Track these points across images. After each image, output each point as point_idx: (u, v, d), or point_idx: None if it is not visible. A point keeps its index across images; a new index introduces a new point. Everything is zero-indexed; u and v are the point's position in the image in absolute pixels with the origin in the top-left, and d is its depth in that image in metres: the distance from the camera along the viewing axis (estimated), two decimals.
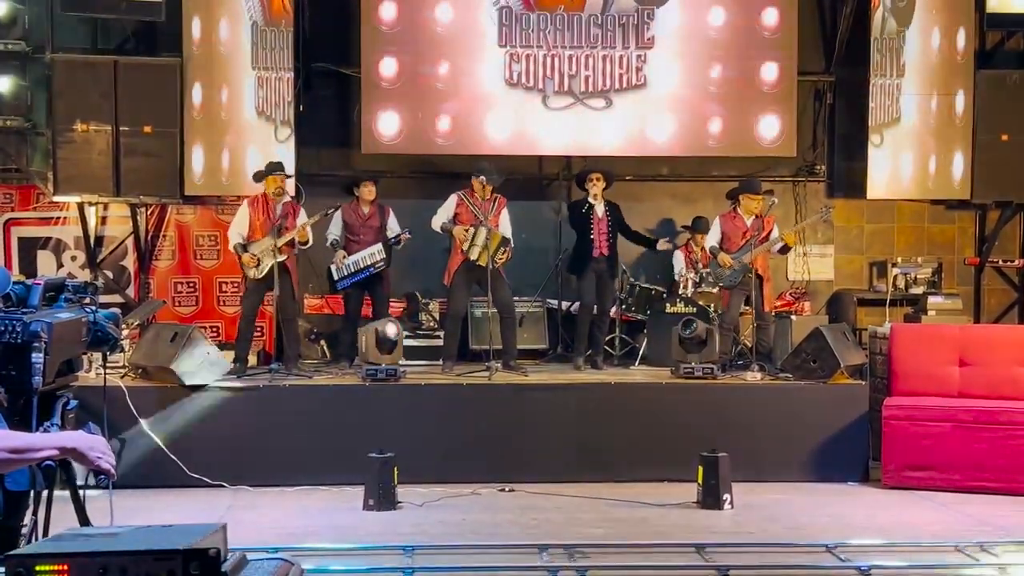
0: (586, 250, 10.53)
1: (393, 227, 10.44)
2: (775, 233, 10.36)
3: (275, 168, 10.11)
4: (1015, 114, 11.30)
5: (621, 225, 10.70)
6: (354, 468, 8.36)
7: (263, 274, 9.84)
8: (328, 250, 10.48)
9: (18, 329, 3.64)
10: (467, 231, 10.09)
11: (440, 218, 10.33)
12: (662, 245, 11.13)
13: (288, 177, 10.25)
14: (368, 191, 10.44)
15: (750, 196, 10.37)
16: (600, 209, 10.52)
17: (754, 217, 10.34)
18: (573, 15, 11.33)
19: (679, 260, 11.53)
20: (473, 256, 10.02)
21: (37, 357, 3.64)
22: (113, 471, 3.24)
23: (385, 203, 10.66)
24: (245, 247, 9.91)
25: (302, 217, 10.07)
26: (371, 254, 10.28)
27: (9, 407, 3.71)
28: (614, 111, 11.42)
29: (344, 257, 10.28)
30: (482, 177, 10.17)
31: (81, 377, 4.22)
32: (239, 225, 10.07)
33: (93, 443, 3.23)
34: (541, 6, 11.30)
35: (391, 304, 10.88)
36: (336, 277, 10.30)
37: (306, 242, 10.05)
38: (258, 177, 10.18)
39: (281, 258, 9.78)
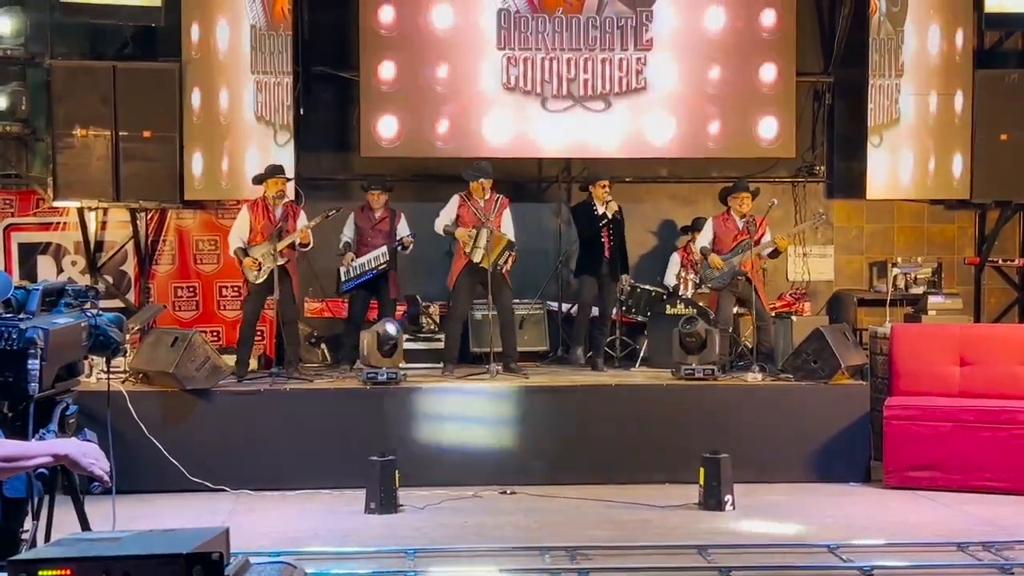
0: (594, 254, 10.51)
1: (402, 231, 10.45)
2: (767, 236, 10.37)
3: (276, 171, 10.11)
4: (1014, 114, 11.29)
5: (620, 231, 10.69)
6: (355, 471, 8.37)
7: (264, 278, 9.84)
8: (329, 253, 10.51)
9: (14, 336, 3.62)
10: (470, 233, 10.09)
11: (443, 220, 10.34)
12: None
13: (288, 180, 10.25)
14: (374, 199, 10.47)
15: (735, 196, 10.39)
16: (603, 212, 10.51)
17: (744, 219, 10.35)
18: (571, 18, 11.33)
19: (675, 263, 11.54)
20: (476, 259, 10.01)
21: (33, 363, 3.62)
22: (107, 477, 3.24)
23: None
24: (246, 251, 9.91)
25: (302, 219, 10.07)
26: (375, 257, 10.31)
27: (9, 414, 3.70)
28: (613, 113, 11.41)
29: (352, 259, 10.30)
30: (480, 178, 10.18)
31: (82, 382, 4.21)
32: (239, 230, 10.06)
33: (86, 450, 3.23)
34: (544, 7, 11.30)
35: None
36: (343, 279, 10.34)
37: (307, 244, 10.05)
38: (258, 180, 10.18)
39: (282, 261, 9.78)
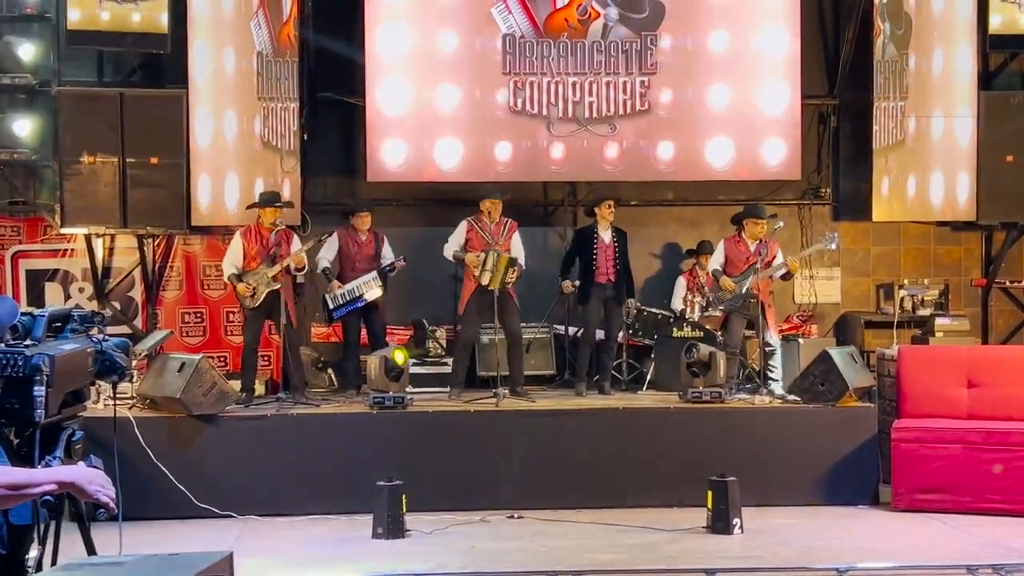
0: (592, 277, 10.52)
1: (387, 255, 10.48)
2: (779, 259, 10.34)
3: (270, 200, 10.13)
4: (1019, 135, 11.27)
5: (625, 254, 10.68)
6: (362, 497, 8.36)
7: (259, 303, 9.86)
8: (321, 277, 10.50)
9: (19, 363, 3.61)
10: (479, 257, 10.10)
11: (451, 246, 10.36)
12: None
13: (285, 206, 10.25)
14: (362, 221, 10.49)
15: (754, 221, 10.38)
16: (607, 236, 10.53)
17: (758, 242, 10.34)
18: (576, 42, 11.38)
19: (681, 286, 11.52)
20: (484, 281, 10.02)
21: (39, 390, 3.61)
22: (113, 504, 3.23)
23: (389, 231, 10.71)
24: (240, 277, 9.93)
25: (295, 244, 10.09)
26: (366, 282, 10.30)
27: (15, 441, 3.69)
28: (618, 136, 11.44)
29: (339, 286, 10.29)
30: (496, 195, 10.22)
31: (89, 408, 4.20)
32: (233, 256, 10.10)
33: (92, 476, 3.23)
34: (549, 32, 11.34)
35: (398, 331, 10.88)
36: (332, 306, 10.31)
37: (303, 268, 10.08)
38: (256, 206, 10.22)
39: (276, 286, 9.81)
